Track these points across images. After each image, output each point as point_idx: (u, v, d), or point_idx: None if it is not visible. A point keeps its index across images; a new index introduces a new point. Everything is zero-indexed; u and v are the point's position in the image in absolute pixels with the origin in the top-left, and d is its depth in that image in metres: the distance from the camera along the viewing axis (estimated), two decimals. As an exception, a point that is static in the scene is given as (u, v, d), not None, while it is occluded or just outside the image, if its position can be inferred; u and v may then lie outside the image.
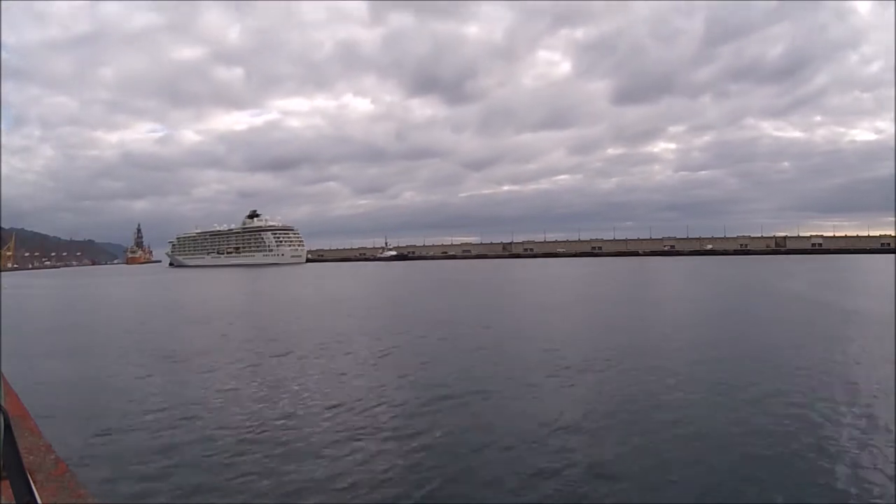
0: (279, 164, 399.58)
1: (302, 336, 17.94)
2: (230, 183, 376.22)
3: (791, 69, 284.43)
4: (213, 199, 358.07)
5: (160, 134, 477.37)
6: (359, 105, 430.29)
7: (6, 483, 1.78)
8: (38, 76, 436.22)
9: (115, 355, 14.96)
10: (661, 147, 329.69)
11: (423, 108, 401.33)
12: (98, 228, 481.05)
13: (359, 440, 7.97)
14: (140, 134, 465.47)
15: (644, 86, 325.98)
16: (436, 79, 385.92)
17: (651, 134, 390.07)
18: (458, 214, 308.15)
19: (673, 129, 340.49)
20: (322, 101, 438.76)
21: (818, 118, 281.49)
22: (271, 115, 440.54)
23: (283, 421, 8.97)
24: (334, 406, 9.67)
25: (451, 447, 7.58)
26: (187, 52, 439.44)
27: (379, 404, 9.74)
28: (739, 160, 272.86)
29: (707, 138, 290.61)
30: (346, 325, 20.45)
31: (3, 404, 1.85)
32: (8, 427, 1.80)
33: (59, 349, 16.31)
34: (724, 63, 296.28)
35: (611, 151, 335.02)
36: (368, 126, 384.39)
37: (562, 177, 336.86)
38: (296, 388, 11.08)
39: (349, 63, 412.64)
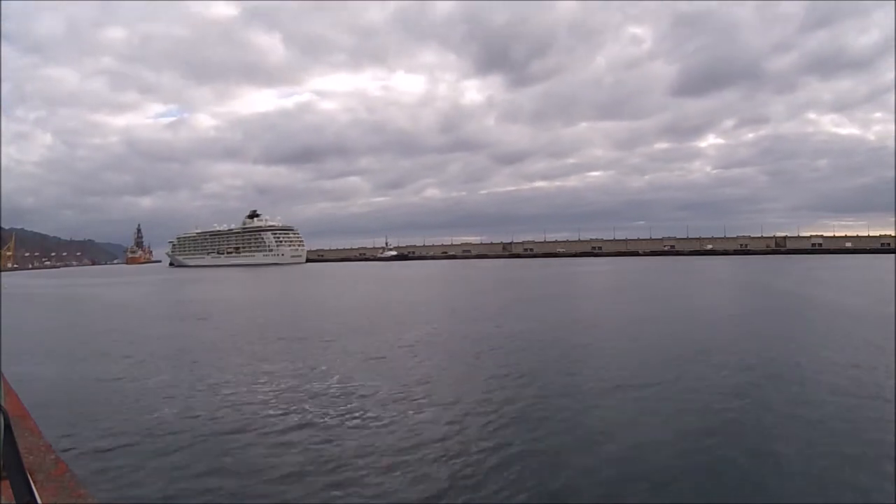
0: (302, 156, 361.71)
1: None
2: (245, 177, 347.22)
3: (871, 61, 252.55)
4: (223, 196, 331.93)
5: (171, 119, 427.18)
6: (409, 85, 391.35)
7: (6, 483, 1.78)
8: (28, 39, 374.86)
9: (121, 356, 14.96)
10: (708, 142, 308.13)
11: (480, 91, 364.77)
12: (102, 226, 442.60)
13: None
14: (149, 118, 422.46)
15: (714, 74, 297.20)
16: (504, 55, 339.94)
17: (703, 128, 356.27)
18: (471, 213, 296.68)
19: (727, 123, 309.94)
20: (368, 80, 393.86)
21: (878, 114, 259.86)
22: (303, 97, 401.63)
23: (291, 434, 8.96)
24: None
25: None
26: (217, 10, 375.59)
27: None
28: (782, 157, 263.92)
29: (762, 132, 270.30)
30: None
31: (3, 404, 1.85)
32: (8, 427, 1.80)
33: (60, 350, 16.29)
34: (804, 52, 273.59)
35: (657, 146, 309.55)
36: (413, 111, 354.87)
37: (594, 173, 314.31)
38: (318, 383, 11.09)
39: (411, 30, 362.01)
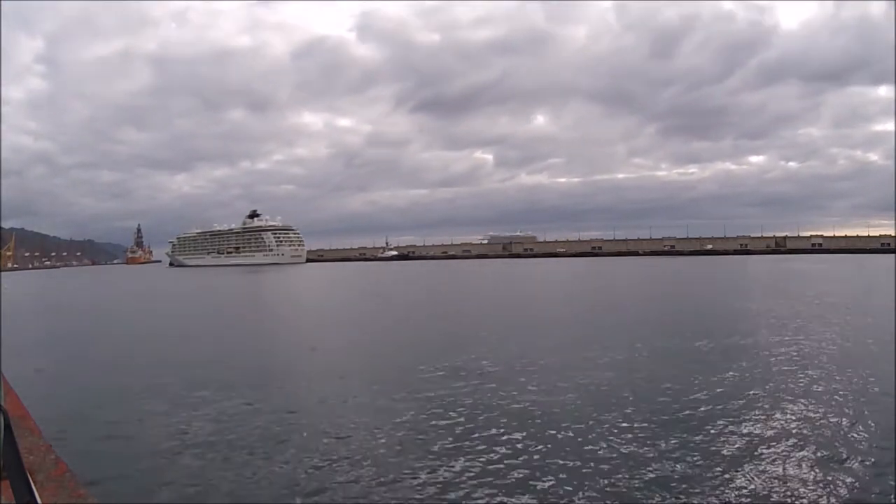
0: (451, 103, 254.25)
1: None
2: (334, 139, 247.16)
3: None
4: (278, 175, 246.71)
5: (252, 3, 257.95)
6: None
7: (6, 483, 1.78)
8: None
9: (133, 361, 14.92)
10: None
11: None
12: (121, 220, 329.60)
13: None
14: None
15: None
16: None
17: None
18: (495, 211, 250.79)
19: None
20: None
21: None
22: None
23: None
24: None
25: None
26: None
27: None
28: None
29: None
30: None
31: (3, 404, 1.85)
32: (8, 427, 1.80)
33: (61, 351, 16.26)
34: None
35: (875, 128, 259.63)
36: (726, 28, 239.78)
37: (754, 158, 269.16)
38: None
39: None
